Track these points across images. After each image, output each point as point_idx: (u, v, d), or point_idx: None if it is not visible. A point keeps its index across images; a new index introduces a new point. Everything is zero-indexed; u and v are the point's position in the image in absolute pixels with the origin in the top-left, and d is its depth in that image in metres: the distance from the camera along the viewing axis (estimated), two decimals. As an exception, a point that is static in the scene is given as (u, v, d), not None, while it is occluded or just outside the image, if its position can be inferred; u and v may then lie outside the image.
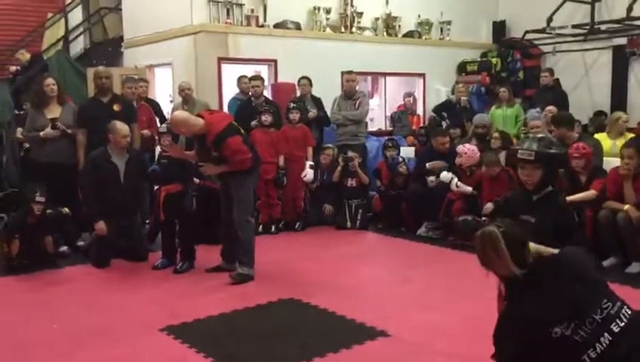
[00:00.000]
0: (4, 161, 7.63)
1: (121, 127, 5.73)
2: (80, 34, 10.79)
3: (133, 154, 5.90)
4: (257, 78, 7.73)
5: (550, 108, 7.35)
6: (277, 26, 8.78)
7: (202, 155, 5.13)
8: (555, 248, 2.34)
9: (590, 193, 5.48)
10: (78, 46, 10.73)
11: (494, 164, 6.25)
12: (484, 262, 2.28)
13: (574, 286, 2.14)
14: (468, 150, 6.61)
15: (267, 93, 8.24)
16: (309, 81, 7.84)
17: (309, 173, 7.11)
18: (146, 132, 6.89)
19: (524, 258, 2.23)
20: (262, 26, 8.67)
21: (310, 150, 7.27)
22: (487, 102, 9.60)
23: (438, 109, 9.19)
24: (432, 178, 6.75)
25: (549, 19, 9.50)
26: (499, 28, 11.22)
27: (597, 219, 5.38)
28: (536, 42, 10.65)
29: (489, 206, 5.68)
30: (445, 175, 6.50)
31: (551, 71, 8.99)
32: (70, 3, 10.82)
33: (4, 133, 7.69)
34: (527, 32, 10.37)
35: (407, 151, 8.15)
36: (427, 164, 6.79)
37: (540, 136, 3.18)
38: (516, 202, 3.26)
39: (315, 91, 7.91)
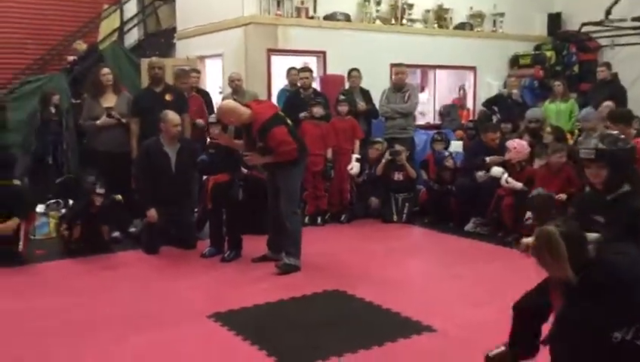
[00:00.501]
0: (64, 148, 7.90)
1: (172, 116, 5.85)
2: (134, 25, 11.04)
3: (185, 144, 6.01)
4: (306, 69, 7.74)
5: (607, 103, 7.09)
6: (327, 17, 8.78)
7: (249, 145, 5.17)
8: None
9: None
10: (132, 37, 10.98)
11: (560, 151, 6.05)
12: (541, 262, 2.20)
13: (634, 290, 2.05)
14: (517, 145, 6.47)
15: (316, 85, 8.26)
16: (359, 73, 7.80)
17: (355, 166, 7.10)
18: (199, 121, 7.01)
19: (582, 260, 2.14)
20: (312, 18, 8.69)
21: (358, 143, 7.25)
22: (540, 97, 9.35)
23: (488, 103, 9.01)
24: (481, 173, 6.64)
25: (608, 12, 9.19)
26: (554, 20, 10.90)
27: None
28: (594, 35, 10.30)
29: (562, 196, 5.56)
30: (496, 170, 6.38)
31: (608, 65, 8.69)
32: (125, -6, 11.09)
33: (64, 122, 7.96)
34: (583, 24, 10.04)
35: (456, 146, 8.03)
36: (487, 159, 6.63)
37: (605, 133, 3.03)
38: (589, 201, 3.12)
39: (364, 84, 7.87)
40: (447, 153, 7.18)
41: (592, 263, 2.17)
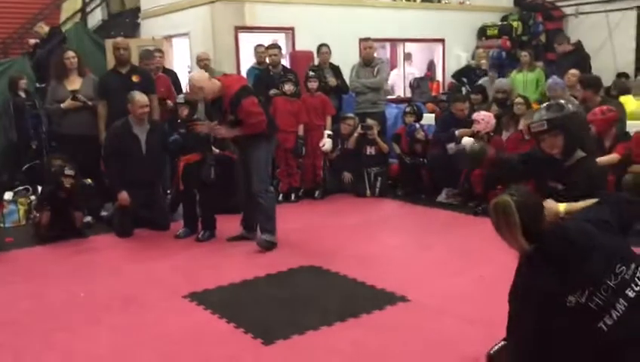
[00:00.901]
0: (44, 131, 7.69)
1: (139, 97, 5.77)
2: (97, 5, 10.77)
3: (154, 126, 5.94)
4: (274, 46, 7.67)
5: (573, 71, 7.20)
6: (294, -7, 8.69)
7: (220, 120, 5.11)
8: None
9: (613, 157, 5.41)
10: (96, 18, 10.73)
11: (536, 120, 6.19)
12: (498, 231, 2.24)
13: (589, 256, 2.11)
14: (484, 116, 6.55)
15: (285, 62, 8.20)
16: (329, 48, 7.76)
17: (327, 143, 7.11)
18: (168, 102, 6.92)
19: (536, 230, 2.18)
20: (278, -6, 8.58)
21: (329, 119, 7.24)
22: (508, 67, 9.43)
23: (457, 75, 9.07)
24: (451, 145, 6.71)
25: (572, -20, 9.27)
26: (520, -10, 10.96)
27: (620, 184, 5.33)
28: (558, 4, 10.39)
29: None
30: (466, 141, 6.45)
31: (567, 38, 8.79)
32: (87, -26, 10.80)
33: (37, 103, 7.74)
34: (549, -7, 10.14)
35: (427, 118, 8.08)
36: (456, 132, 6.69)
37: (547, 103, 3.03)
38: (546, 168, 3.14)
39: (333, 59, 7.83)
40: (418, 126, 7.22)
41: (547, 231, 2.21)
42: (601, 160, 5.36)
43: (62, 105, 6.25)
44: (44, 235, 5.55)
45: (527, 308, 2.17)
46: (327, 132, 7.15)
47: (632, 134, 5.58)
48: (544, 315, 2.11)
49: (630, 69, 9.20)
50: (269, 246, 5.05)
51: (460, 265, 4.59)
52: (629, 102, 6.23)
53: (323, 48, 7.77)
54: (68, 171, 5.55)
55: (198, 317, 3.75)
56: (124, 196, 5.64)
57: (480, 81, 8.32)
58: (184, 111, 5.57)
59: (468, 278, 4.24)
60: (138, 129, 5.80)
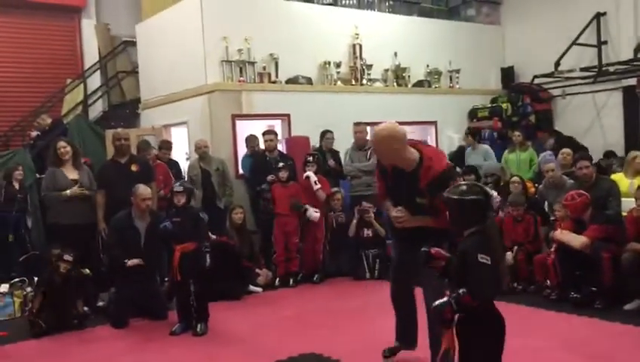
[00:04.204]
0: (29, 225, 7.77)
1: (142, 190, 5.83)
2: (99, 97, 11.10)
3: (156, 219, 5.92)
4: (270, 132, 7.87)
5: (566, 150, 7.36)
6: (289, 81, 8.98)
7: (396, 197, 3.96)
8: None
9: (581, 240, 5.49)
10: (97, 109, 11.01)
11: (520, 203, 6.35)
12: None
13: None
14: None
15: (281, 147, 8.37)
16: (333, 134, 8.08)
17: (312, 214, 7.12)
18: (161, 192, 6.98)
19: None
20: (274, 82, 8.87)
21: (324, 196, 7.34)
22: (500, 147, 9.63)
23: (452, 156, 9.23)
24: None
25: (557, 64, 9.62)
26: (507, 73, 11.36)
27: (619, 262, 5.33)
28: (546, 86, 10.75)
29: None
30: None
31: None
32: (89, 68, 11.19)
33: (28, 197, 7.85)
34: (535, 76, 10.49)
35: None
36: None
37: (462, 183, 3.17)
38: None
39: (330, 144, 8.08)
40: None
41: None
42: (567, 239, 5.52)
43: (68, 192, 6.23)
44: (38, 327, 5.40)
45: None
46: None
47: (617, 214, 5.67)
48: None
49: (620, 148, 9.39)
50: None
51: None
52: (620, 180, 6.31)
53: (328, 134, 8.02)
54: (67, 257, 5.56)
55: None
56: (134, 261, 5.63)
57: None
58: (181, 200, 5.48)
59: None
60: (139, 221, 5.84)
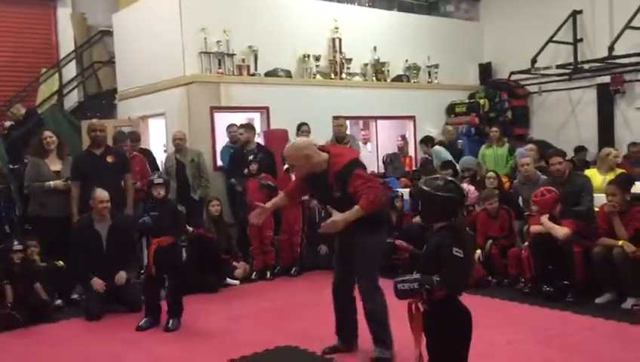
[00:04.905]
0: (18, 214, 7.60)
1: (99, 193, 5.76)
2: (74, 87, 10.94)
3: (117, 221, 5.88)
4: (245, 125, 7.86)
5: (530, 146, 7.53)
6: (268, 74, 8.95)
7: (322, 199, 4.48)
8: None
9: (563, 229, 5.55)
10: (72, 99, 10.86)
11: (493, 198, 6.40)
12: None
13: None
14: (466, 190, 6.70)
15: (260, 140, 8.35)
16: (309, 127, 8.02)
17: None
18: (137, 184, 6.92)
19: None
20: (253, 75, 8.84)
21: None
22: (477, 142, 9.74)
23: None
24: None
25: (534, 60, 9.74)
26: (485, 69, 11.47)
27: (590, 256, 5.43)
28: (523, 82, 10.87)
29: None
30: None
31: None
32: (64, 58, 11.01)
33: (12, 187, 7.68)
34: (512, 73, 10.61)
35: (402, 193, 8.20)
36: None
37: (439, 178, 3.13)
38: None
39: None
40: (399, 192, 7.32)
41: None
42: (554, 230, 5.54)
43: (51, 184, 6.21)
44: (11, 319, 5.32)
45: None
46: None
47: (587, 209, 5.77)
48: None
49: (594, 144, 9.55)
50: None
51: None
52: (594, 176, 6.42)
53: (303, 127, 7.99)
54: (16, 246, 5.57)
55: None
56: (97, 282, 5.60)
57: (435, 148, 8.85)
58: (161, 193, 5.37)
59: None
60: (99, 225, 5.79)
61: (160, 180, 5.49)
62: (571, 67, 9.91)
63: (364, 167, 4.18)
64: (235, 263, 6.98)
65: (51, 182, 6.25)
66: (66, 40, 11.11)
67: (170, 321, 5.18)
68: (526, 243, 6.01)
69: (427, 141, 9.38)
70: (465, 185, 6.86)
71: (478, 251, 6.25)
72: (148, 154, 7.97)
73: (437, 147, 9.06)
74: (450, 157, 8.54)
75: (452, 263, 2.77)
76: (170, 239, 5.28)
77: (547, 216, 5.67)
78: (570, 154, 8.64)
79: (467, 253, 2.87)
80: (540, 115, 10.84)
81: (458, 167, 7.96)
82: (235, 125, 8.14)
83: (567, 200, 5.80)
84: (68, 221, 6.23)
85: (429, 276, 2.76)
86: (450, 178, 3.20)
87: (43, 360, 4.59)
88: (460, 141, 9.66)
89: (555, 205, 5.70)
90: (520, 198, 6.88)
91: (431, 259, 2.88)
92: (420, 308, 2.82)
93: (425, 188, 2.98)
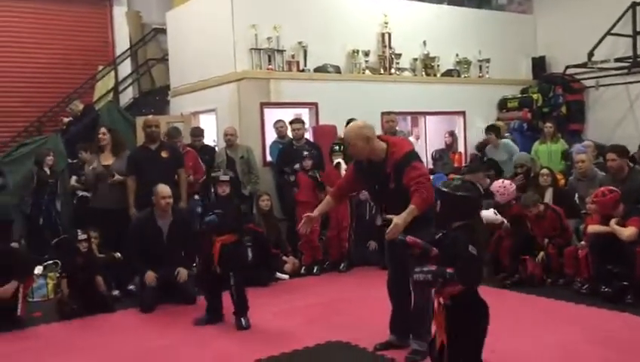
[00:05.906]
0: (59, 209, 7.92)
1: (161, 188, 5.88)
2: (129, 85, 11.24)
3: (178, 216, 5.98)
4: (297, 120, 7.88)
5: (588, 143, 7.28)
6: (317, 70, 8.97)
7: (375, 193, 4.36)
8: None
9: (629, 229, 5.35)
10: (127, 96, 11.16)
11: (532, 205, 6.22)
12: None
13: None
14: (499, 188, 6.56)
15: (309, 136, 8.38)
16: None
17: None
18: (190, 178, 7.07)
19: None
20: (302, 71, 8.87)
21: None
22: (530, 138, 9.51)
23: (480, 146, 9.15)
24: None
25: (590, 54, 9.43)
26: (538, 63, 11.16)
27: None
28: (578, 77, 10.54)
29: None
30: (485, 213, 6.42)
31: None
32: (120, 55, 11.33)
33: (59, 182, 8.00)
34: (567, 67, 10.29)
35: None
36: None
37: (458, 178, 3.31)
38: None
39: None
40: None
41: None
42: (622, 233, 5.33)
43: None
44: (68, 309, 5.53)
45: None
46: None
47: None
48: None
49: (653, 139, 9.19)
50: (416, 359, 4.08)
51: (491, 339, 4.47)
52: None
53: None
54: (81, 236, 5.69)
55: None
56: (150, 276, 5.72)
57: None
58: (226, 190, 5.25)
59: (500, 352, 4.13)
60: (162, 221, 5.91)
61: (226, 177, 5.36)
62: (630, 60, 9.55)
63: (420, 160, 4.17)
64: (284, 258, 7.05)
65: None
66: (122, 38, 11.44)
67: (242, 320, 5.09)
68: (583, 243, 5.85)
69: (494, 130, 8.87)
70: (500, 182, 6.71)
71: (542, 253, 6.11)
72: (208, 149, 8.12)
73: (506, 140, 8.82)
74: (516, 151, 8.33)
75: (467, 260, 2.92)
76: (234, 237, 5.22)
77: (615, 220, 5.48)
78: (631, 149, 8.36)
79: (480, 251, 3.03)
80: (597, 111, 10.50)
81: (513, 162, 7.77)
82: (282, 121, 8.19)
83: (628, 197, 5.61)
84: (118, 213, 6.45)
85: (443, 268, 2.92)
86: (469, 179, 3.33)
87: (99, 349, 4.74)
88: (507, 135, 9.38)
89: (617, 205, 5.50)
90: (576, 195, 6.69)
91: (447, 254, 3.01)
92: (441, 303, 3.00)
93: (443, 188, 3.14)
